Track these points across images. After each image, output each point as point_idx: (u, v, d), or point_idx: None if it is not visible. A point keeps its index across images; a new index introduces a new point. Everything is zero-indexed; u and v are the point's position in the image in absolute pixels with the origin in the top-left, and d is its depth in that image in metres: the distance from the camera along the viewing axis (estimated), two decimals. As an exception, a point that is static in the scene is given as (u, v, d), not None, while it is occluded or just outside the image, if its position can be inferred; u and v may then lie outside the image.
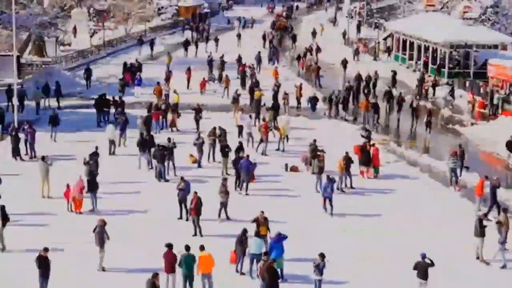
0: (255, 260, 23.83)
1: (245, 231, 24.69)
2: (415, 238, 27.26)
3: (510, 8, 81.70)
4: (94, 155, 33.52)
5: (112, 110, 43.38)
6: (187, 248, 22.85)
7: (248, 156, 33.32)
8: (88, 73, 54.55)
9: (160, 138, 37.46)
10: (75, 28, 75.10)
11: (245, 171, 32.40)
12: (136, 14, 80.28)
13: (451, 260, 24.99)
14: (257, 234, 24.51)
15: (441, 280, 23.37)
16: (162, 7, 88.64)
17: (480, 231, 26.04)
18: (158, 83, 49.58)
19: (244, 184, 32.40)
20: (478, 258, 26.04)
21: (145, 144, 35.23)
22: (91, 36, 74.05)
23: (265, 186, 33.25)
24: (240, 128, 40.29)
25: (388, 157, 37.99)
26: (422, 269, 22.61)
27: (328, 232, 28.09)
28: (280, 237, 24.06)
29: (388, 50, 67.71)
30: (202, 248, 22.98)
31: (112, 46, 71.78)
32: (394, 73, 55.62)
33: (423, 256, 22.75)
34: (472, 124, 46.02)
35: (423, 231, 28.00)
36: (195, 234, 27.13)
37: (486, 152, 40.69)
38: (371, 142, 36.91)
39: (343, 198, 32.15)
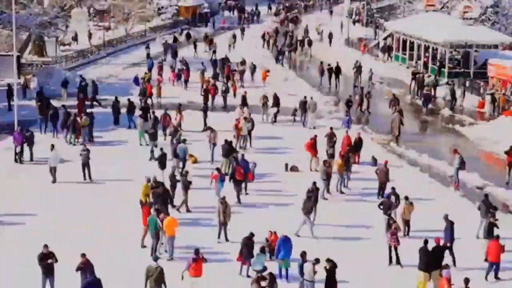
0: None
1: (251, 235, 24.68)
2: (415, 238, 27.25)
3: (510, 8, 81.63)
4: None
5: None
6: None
7: (243, 155, 33.39)
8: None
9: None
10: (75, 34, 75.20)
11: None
12: (136, 14, 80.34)
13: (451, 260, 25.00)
14: (262, 249, 24.18)
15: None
16: (162, 7, 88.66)
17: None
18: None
19: (243, 184, 32.45)
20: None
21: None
22: (89, 37, 74.42)
23: (265, 186, 33.27)
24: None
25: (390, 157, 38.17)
26: (386, 206, 27.98)
27: (328, 232, 28.12)
28: (288, 238, 24.12)
29: (388, 50, 67.59)
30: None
31: (112, 46, 71.82)
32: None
33: (387, 197, 28.45)
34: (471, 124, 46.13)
35: (423, 231, 27.96)
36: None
37: (486, 152, 40.71)
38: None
39: (343, 198, 32.22)
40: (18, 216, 29.06)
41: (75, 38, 74.35)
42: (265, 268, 23.14)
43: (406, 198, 28.29)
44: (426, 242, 24.03)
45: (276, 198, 31.85)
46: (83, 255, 22.36)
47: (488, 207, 27.86)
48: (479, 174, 35.46)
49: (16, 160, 36.15)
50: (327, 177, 32.02)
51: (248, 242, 24.45)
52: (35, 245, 23.62)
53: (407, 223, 28.09)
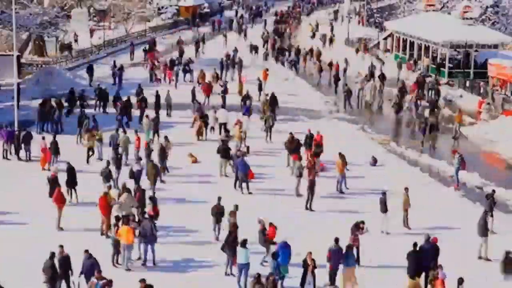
0: (243, 270, 23.52)
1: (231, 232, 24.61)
2: (416, 238, 27.25)
3: (510, 8, 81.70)
4: None
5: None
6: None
7: (238, 149, 33.50)
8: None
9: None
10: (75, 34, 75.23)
11: (241, 171, 32.55)
12: (136, 14, 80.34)
13: (453, 260, 24.98)
14: (243, 244, 23.74)
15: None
16: (162, 7, 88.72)
17: (484, 230, 26.11)
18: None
19: (244, 184, 32.50)
20: (480, 257, 26.10)
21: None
22: (91, 35, 74.52)
23: (265, 186, 33.27)
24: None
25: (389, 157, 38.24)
26: (383, 202, 28.04)
27: (329, 232, 28.08)
28: (287, 244, 23.93)
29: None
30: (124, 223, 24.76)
31: (112, 46, 71.83)
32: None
33: (384, 193, 28.34)
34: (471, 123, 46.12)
35: (424, 231, 27.98)
36: None
37: (486, 152, 40.70)
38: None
39: (342, 198, 32.23)
40: (14, 215, 29.12)
41: (75, 39, 74.39)
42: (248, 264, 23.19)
43: (406, 189, 28.87)
44: (415, 245, 23.68)
45: (276, 198, 31.84)
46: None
47: (491, 204, 28.18)
48: (479, 174, 35.46)
49: (4, 157, 36.65)
50: (300, 174, 31.97)
51: (227, 240, 24.44)
52: (35, 245, 23.63)
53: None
